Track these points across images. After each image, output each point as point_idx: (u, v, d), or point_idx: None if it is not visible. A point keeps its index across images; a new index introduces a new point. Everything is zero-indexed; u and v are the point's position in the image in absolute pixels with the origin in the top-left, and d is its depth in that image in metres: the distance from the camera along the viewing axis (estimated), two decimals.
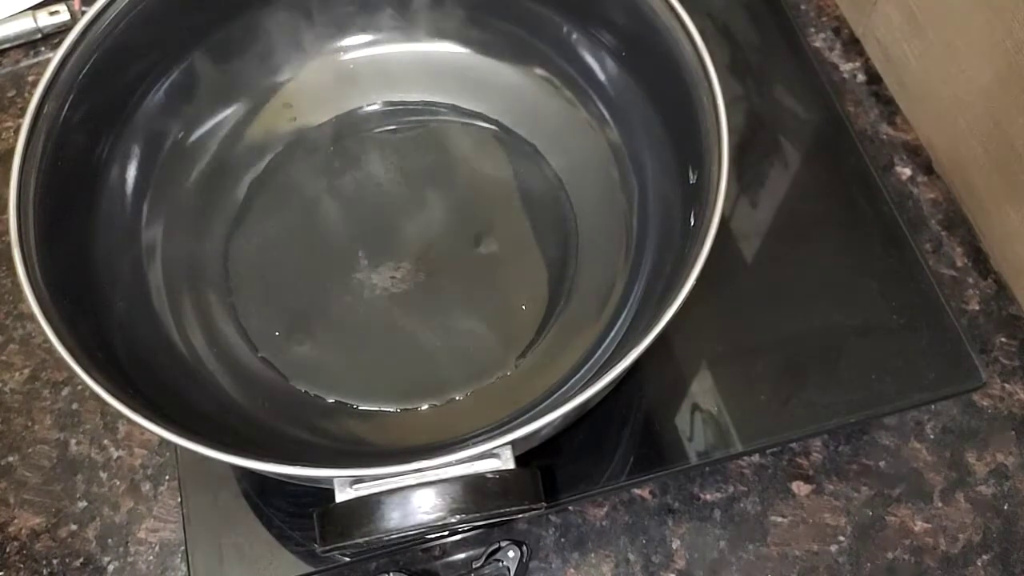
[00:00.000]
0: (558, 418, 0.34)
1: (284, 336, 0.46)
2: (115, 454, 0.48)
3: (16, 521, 0.47)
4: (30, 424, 0.49)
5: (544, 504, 0.34)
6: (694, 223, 0.39)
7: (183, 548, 0.45)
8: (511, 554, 0.43)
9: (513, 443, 0.34)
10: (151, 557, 0.46)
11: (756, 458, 0.47)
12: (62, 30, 0.60)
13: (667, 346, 0.47)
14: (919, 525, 0.46)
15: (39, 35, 0.60)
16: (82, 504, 0.47)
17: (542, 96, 0.51)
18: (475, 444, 0.33)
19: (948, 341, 0.47)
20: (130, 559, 0.46)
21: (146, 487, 0.47)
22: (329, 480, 0.34)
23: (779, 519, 0.46)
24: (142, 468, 0.47)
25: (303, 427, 0.44)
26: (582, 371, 0.44)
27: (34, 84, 0.49)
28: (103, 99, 0.43)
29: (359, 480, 0.33)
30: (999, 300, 0.51)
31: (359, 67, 0.52)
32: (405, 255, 0.48)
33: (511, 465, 0.34)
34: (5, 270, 0.53)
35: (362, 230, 0.49)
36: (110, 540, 0.46)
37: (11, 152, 0.39)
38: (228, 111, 0.50)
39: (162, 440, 0.46)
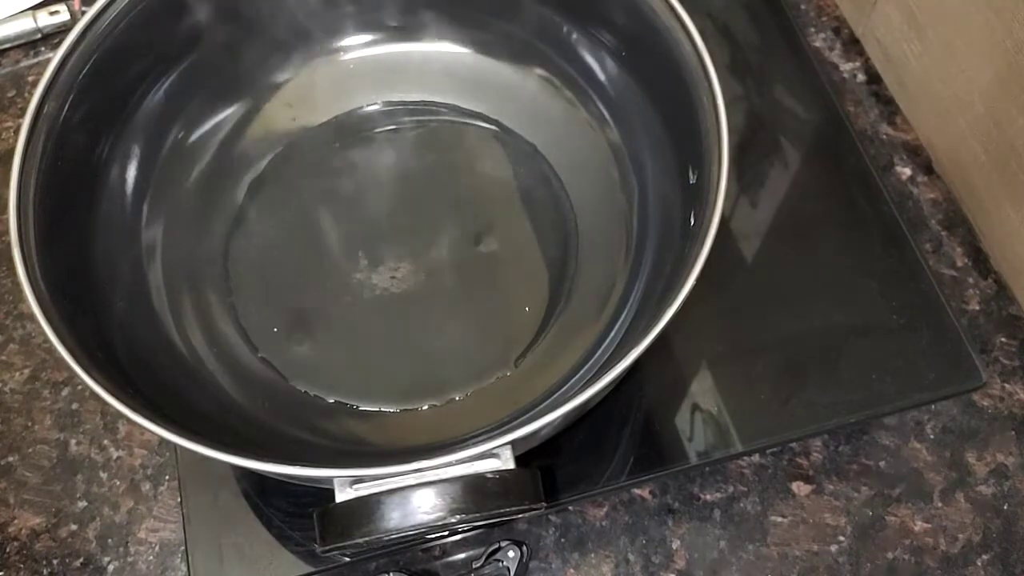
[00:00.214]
0: (558, 418, 0.34)
1: (284, 336, 0.46)
2: (115, 454, 0.48)
3: (16, 521, 0.47)
4: (30, 424, 0.49)
5: (544, 504, 0.34)
6: (694, 223, 0.39)
7: (183, 548, 0.45)
8: (511, 554, 0.43)
9: (513, 443, 0.34)
10: (151, 557, 0.46)
11: (756, 458, 0.47)
12: (62, 30, 0.60)
13: (667, 346, 0.47)
14: (919, 525, 0.46)
15: (39, 35, 0.60)
16: (82, 504, 0.47)
17: (542, 96, 0.51)
18: (475, 444, 0.33)
19: (948, 341, 0.47)
20: (130, 559, 0.46)
21: (146, 487, 0.47)
22: (329, 480, 0.34)
23: (779, 519, 0.46)
24: (142, 468, 0.47)
25: (303, 427, 0.44)
26: (582, 371, 0.44)
27: (34, 84, 0.49)
28: (103, 99, 0.43)
29: (359, 480, 0.33)
30: (999, 300, 0.51)
31: (359, 67, 0.52)
32: (405, 255, 0.48)
33: (511, 465, 0.34)
34: (5, 270, 0.53)
35: (362, 230, 0.49)
36: (110, 540, 0.46)
37: (11, 152, 0.39)
38: (228, 111, 0.50)
39: (162, 440, 0.46)
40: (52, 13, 0.59)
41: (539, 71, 0.51)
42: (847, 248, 0.50)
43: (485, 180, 0.50)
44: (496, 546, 0.43)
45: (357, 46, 0.52)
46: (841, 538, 0.46)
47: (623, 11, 0.44)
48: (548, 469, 0.44)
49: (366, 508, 0.32)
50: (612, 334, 0.45)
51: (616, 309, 0.46)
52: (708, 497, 0.46)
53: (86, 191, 0.43)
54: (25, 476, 0.48)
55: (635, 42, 0.45)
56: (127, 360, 0.40)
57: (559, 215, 0.49)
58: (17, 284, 0.37)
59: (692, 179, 0.41)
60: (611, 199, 0.48)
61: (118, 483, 0.47)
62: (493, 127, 0.51)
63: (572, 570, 0.45)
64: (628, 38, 0.46)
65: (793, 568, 0.45)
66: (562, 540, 0.46)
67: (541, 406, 0.43)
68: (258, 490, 0.44)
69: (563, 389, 0.43)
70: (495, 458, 0.34)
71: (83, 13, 0.42)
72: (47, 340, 0.35)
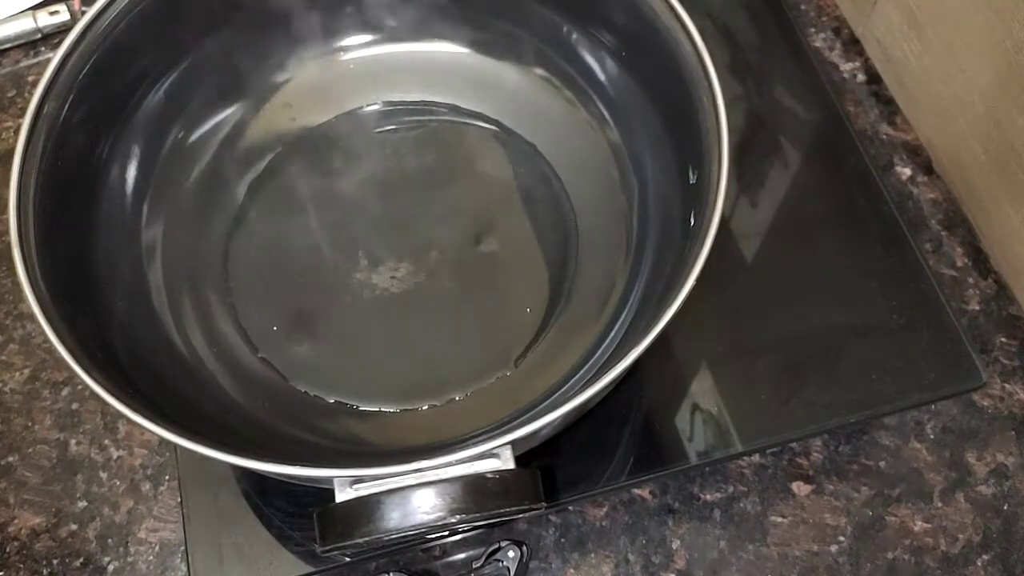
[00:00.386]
0: (558, 418, 0.34)
1: (284, 336, 0.46)
2: (115, 454, 0.48)
3: (16, 521, 0.47)
4: (30, 424, 0.49)
5: (544, 504, 0.34)
6: (694, 223, 0.39)
7: (183, 548, 0.45)
8: (511, 554, 0.43)
9: (513, 443, 0.34)
10: (151, 557, 0.46)
11: (756, 458, 0.47)
12: (62, 30, 0.60)
13: (667, 346, 0.47)
14: (919, 525, 0.46)
15: (39, 35, 0.60)
16: (82, 504, 0.47)
17: (542, 96, 0.51)
18: (475, 444, 0.33)
19: (948, 341, 0.47)
20: (130, 559, 0.46)
21: (146, 487, 0.47)
22: (329, 480, 0.34)
23: (779, 519, 0.46)
24: (142, 468, 0.47)
25: (303, 427, 0.44)
26: (582, 371, 0.44)
27: (34, 84, 0.49)
28: (103, 99, 0.43)
29: (359, 480, 0.33)
30: (999, 300, 0.51)
31: (359, 67, 0.52)
32: (405, 255, 0.48)
33: (511, 465, 0.34)
34: (5, 270, 0.53)
35: (362, 230, 0.49)
36: (110, 540, 0.46)
37: (11, 152, 0.39)
38: (228, 111, 0.50)
39: (162, 440, 0.46)
40: (52, 13, 0.59)
41: (539, 71, 0.51)
42: (847, 248, 0.50)
43: (485, 180, 0.50)
44: (496, 546, 0.43)
45: (357, 46, 0.52)
46: (841, 538, 0.46)
47: (623, 11, 0.44)
48: (548, 469, 0.44)
49: (366, 508, 0.32)
50: (612, 334, 0.45)
51: (616, 309, 0.46)
52: (708, 497, 0.46)
53: (86, 191, 0.43)
54: (25, 476, 0.48)
55: (635, 42, 0.45)
56: (127, 360, 0.40)
57: (559, 215, 0.49)
58: (17, 284, 0.37)
59: (692, 179, 0.41)
60: (611, 199, 0.48)
61: (118, 483, 0.47)
62: (493, 127, 0.51)
63: (572, 570, 0.45)
64: (628, 38, 0.46)
65: (793, 568, 0.45)
66: (562, 540, 0.46)
67: (541, 406, 0.43)
68: (258, 490, 0.44)
69: (563, 389, 0.43)
70: (495, 458, 0.34)
71: (83, 13, 0.42)
72: (47, 340, 0.35)
